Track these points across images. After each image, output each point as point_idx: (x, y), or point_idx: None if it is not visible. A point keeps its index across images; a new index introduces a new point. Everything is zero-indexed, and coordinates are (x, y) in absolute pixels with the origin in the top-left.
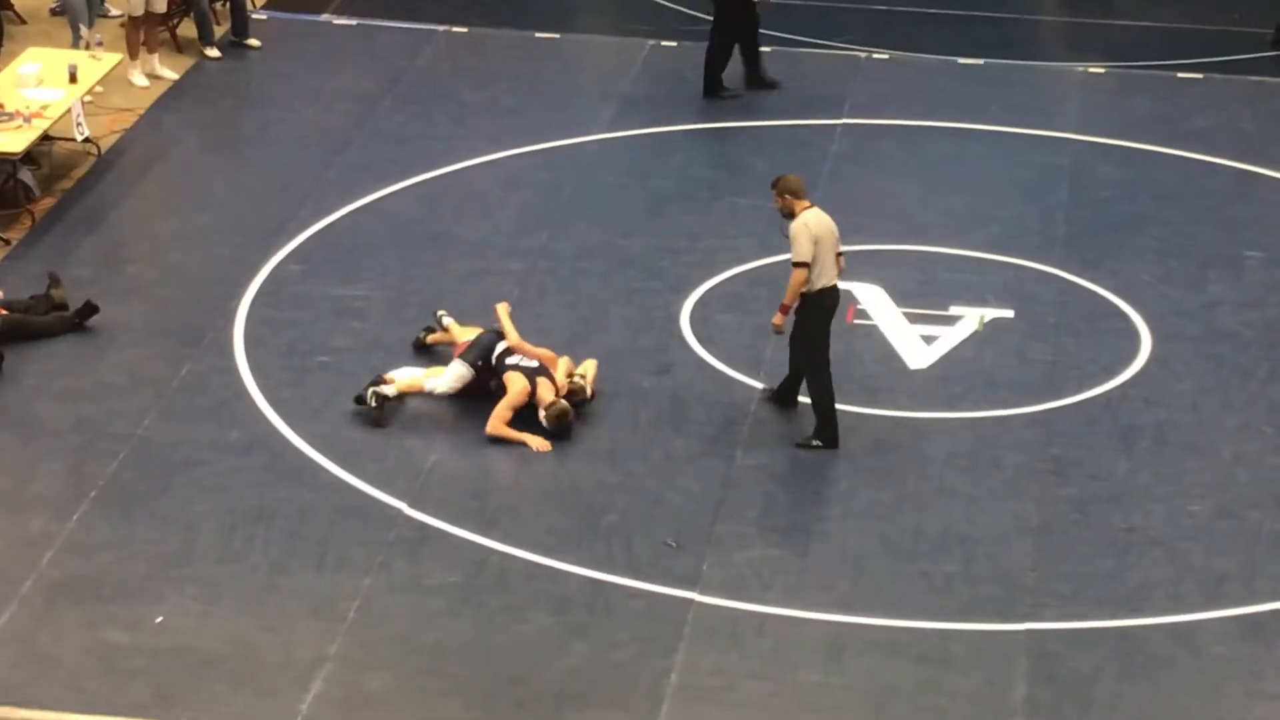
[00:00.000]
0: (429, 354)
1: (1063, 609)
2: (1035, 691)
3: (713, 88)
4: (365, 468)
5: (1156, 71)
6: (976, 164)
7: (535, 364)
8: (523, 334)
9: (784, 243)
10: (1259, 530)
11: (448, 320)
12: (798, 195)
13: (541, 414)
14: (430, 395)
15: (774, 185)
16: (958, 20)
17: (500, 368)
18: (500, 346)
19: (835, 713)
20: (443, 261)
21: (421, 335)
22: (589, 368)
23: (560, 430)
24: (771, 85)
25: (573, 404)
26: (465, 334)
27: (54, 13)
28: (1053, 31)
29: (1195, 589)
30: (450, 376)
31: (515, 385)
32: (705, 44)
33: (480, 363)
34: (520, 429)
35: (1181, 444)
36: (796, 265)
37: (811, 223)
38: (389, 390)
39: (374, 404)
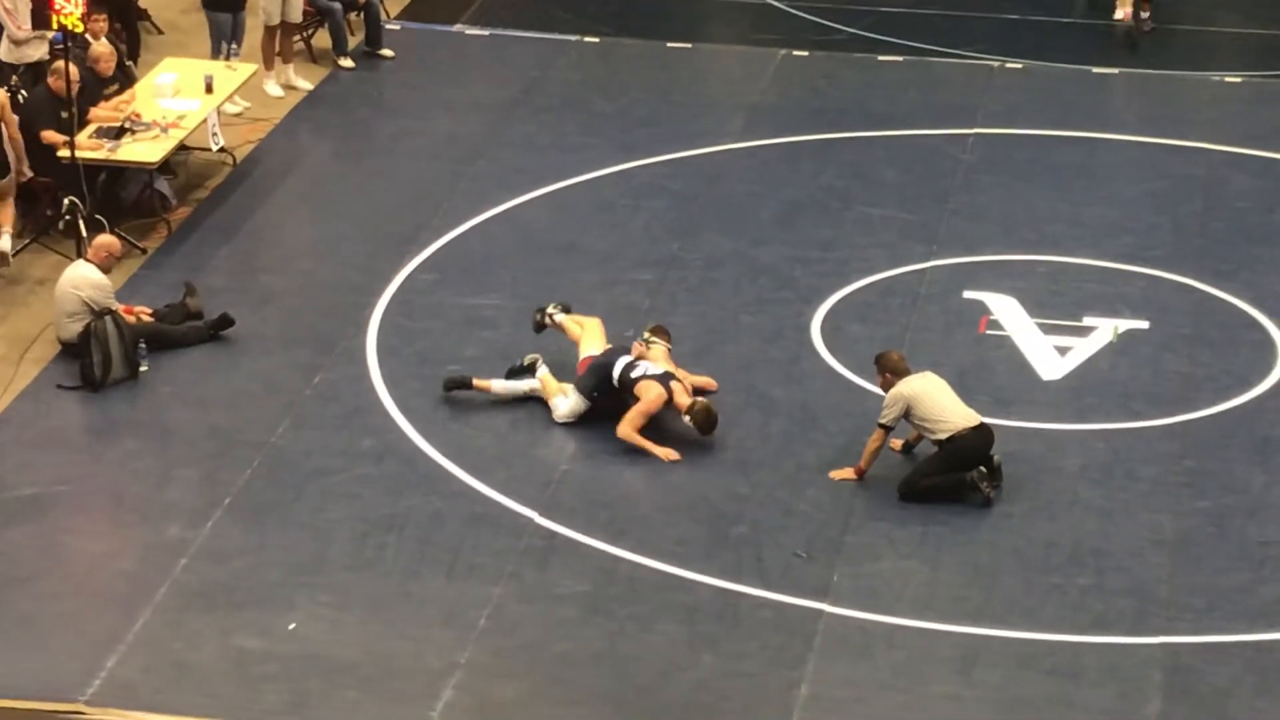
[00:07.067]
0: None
1: (1197, 623)
2: (1169, 706)
3: None
4: (496, 476)
5: None
6: (1110, 174)
7: (662, 370)
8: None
9: (915, 251)
10: None
11: (560, 317)
12: (897, 373)
13: (686, 419)
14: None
15: (877, 361)
16: (1090, 29)
17: (628, 381)
18: (622, 363)
19: None
20: (573, 271)
21: (540, 317)
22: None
23: (708, 428)
24: None
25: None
26: (583, 330)
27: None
28: (1187, 40)
29: None
30: (567, 409)
31: (651, 392)
32: (838, 54)
33: (596, 393)
34: (650, 439)
35: None
36: (879, 425)
37: (907, 389)
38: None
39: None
